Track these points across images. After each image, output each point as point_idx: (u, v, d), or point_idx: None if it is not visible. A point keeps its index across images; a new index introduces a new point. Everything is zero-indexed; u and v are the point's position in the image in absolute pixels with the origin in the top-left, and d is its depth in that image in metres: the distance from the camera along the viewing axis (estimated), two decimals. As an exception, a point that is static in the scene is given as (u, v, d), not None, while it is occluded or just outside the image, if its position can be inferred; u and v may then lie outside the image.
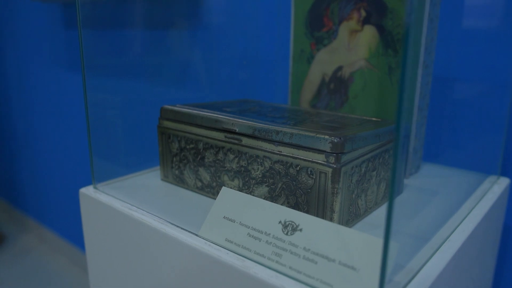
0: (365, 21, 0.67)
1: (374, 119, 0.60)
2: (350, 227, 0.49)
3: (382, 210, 0.55)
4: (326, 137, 0.45)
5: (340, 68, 0.71)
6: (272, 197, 0.51)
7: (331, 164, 0.45)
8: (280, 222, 0.43)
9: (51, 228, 1.94)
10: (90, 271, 0.64)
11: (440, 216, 0.53)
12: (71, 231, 1.80)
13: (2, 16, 1.83)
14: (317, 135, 0.45)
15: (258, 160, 0.51)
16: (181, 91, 0.92)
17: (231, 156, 0.54)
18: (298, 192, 0.48)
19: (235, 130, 0.52)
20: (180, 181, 0.62)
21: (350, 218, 0.49)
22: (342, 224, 0.47)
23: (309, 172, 0.46)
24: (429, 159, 0.74)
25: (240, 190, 0.54)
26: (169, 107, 0.61)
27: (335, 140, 0.44)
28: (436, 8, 0.62)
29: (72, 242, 1.81)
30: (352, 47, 0.69)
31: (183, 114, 0.58)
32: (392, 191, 0.32)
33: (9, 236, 2.07)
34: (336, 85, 0.71)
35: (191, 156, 0.58)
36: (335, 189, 0.45)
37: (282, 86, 0.86)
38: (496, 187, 0.64)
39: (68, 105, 1.59)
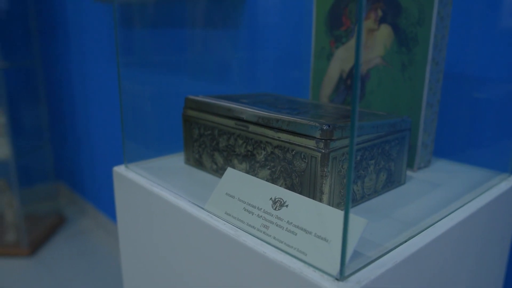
0: (381, 20, 0.70)
1: (380, 112, 0.64)
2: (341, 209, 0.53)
3: (382, 198, 0.58)
4: (317, 124, 0.49)
5: (357, 65, 0.74)
6: (272, 179, 0.56)
7: (320, 149, 0.49)
8: (270, 198, 0.48)
9: (106, 214, 2.09)
10: (121, 241, 0.73)
11: (434, 206, 0.56)
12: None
13: (68, 16, 2.01)
14: (309, 123, 0.50)
15: (262, 145, 0.56)
16: (213, 85, 0.99)
17: (240, 142, 0.59)
18: (294, 175, 0.53)
19: (243, 117, 0.58)
20: (199, 164, 0.68)
21: (342, 202, 0.53)
22: (333, 206, 0.51)
23: (302, 157, 0.51)
24: (442, 155, 0.75)
25: (247, 172, 0.59)
26: (192, 97, 0.67)
27: (324, 127, 0.49)
28: (447, 7, 0.64)
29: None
30: (369, 45, 0.72)
31: (203, 103, 0.65)
32: (349, 174, 0.37)
33: (69, 218, 2.26)
34: (353, 81, 0.75)
35: (208, 141, 0.65)
36: (324, 172, 0.49)
37: (307, 81, 0.90)
38: (504, 184, 0.64)
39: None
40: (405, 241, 0.46)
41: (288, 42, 0.99)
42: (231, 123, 0.60)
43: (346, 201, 0.37)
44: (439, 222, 0.51)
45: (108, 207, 2.07)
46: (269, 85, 1.00)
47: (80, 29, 1.94)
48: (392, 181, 0.61)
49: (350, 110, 0.62)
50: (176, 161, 0.73)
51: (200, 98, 0.66)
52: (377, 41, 0.71)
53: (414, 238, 0.47)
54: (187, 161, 0.71)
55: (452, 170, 0.70)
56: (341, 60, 0.76)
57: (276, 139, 0.54)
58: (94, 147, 2.06)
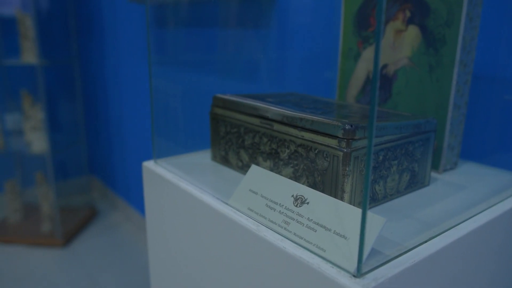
0: (409, 21, 0.70)
1: (405, 113, 0.64)
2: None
3: (404, 199, 0.59)
4: (339, 124, 0.50)
5: (384, 66, 0.74)
6: (295, 177, 0.57)
7: (342, 148, 0.50)
8: (292, 195, 0.49)
9: (136, 208, 2.15)
10: (149, 232, 0.75)
11: (457, 208, 0.55)
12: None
13: (104, 16, 2.07)
14: (332, 122, 0.51)
15: (285, 143, 0.57)
16: (242, 84, 1.01)
17: (265, 140, 0.61)
18: (316, 173, 0.54)
19: (268, 116, 0.59)
20: (225, 161, 0.70)
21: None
22: (354, 205, 0.52)
23: (325, 155, 0.52)
24: (469, 157, 0.75)
25: (271, 170, 0.61)
26: (219, 95, 0.69)
27: (347, 127, 0.49)
28: (477, 8, 0.63)
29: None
30: (397, 46, 0.72)
31: (230, 101, 0.67)
32: (368, 171, 0.37)
33: (101, 211, 2.33)
34: (381, 82, 0.75)
35: (234, 139, 0.67)
36: (346, 171, 0.50)
37: (334, 82, 0.91)
38: (532, 188, 0.63)
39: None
40: (425, 242, 0.47)
41: (316, 43, 1.00)
42: (256, 121, 0.62)
43: (363, 198, 0.38)
44: (461, 224, 0.51)
45: (137, 201, 2.13)
46: (297, 85, 1.01)
47: (115, 28, 2.00)
48: (416, 182, 0.61)
49: (379, 111, 0.62)
50: (203, 157, 0.75)
51: (227, 97, 0.68)
52: (405, 42, 0.71)
53: (434, 239, 0.47)
54: (214, 158, 0.73)
55: (478, 173, 0.69)
56: (368, 60, 0.76)
57: (300, 138, 0.55)
58: (125, 143, 2.12)
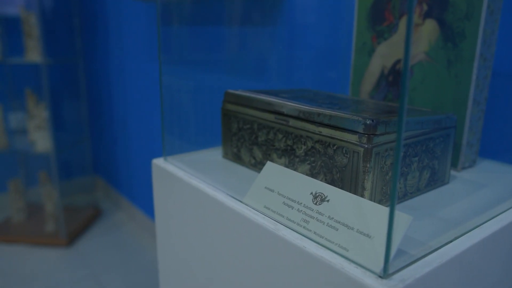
0: (426, 15, 0.68)
1: (424, 109, 0.62)
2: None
3: (425, 197, 0.57)
4: (360, 119, 0.48)
5: (399, 61, 0.72)
6: (312, 174, 0.55)
7: (363, 144, 0.48)
8: (311, 193, 0.47)
9: (140, 207, 2.13)
10: (158, 231, 0.74)
11: (480, 207, 0.53)
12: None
13: (108, 14, 2.06)
14: (352, 117, 0.49)
15: (302, 140, 0.56)
16: (251, 81, 0.99)
17: (280, 136, 0.59)
18: (335, 170, 0.52)
19: (283, 112, 0.57)
20: (237, 158, 0.68)
21: (384, 199, 0.52)
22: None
23: (344, 152, 0.50)
24: (488, 155, 0.73)
25: (286, 167, 0.59)
26: (232, 91, 0.68)
27: (368, 122, 0.48)
28: (498, 1, 0.62)
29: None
30: (413, 40, 0.70)
31: (242, 97, 0.65)
32: (396, 167, 0.36)
33: (105, 211, 2.31)
34: (395, 78, 0.73)
35: (247, 135, 0.65)
36: (366, 168, 0.48)
37: (347, 78, 0.89)
38: (555, 186, 0.61)
39: (158, 95, 1.75)
40: (451, 241, 0.45)
41: (327, 38, 0.98)
42: (271, 117, 0.60)
43: (391, 195, 0.36)
44: (485, 224, 0.49)
45: (141, 201, 2.11)
46: (307, 82, 0.99)
47: (119, 26, 1.99)
48: (436, 180, 0.59)
49: (393, 106, 0.60)
50: (214, 155, 0.74)
51: (239, 92, 0.66)
52: (421, 36, 0.69)
53: (460, 238, 0.45)
54: (225, 155, 0.71)
55: (498, 171, 0.67)
56: (383, 56, 0.74)
57: (317, 134, 0.53)
58: (130, 143, 2.10)
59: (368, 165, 0.48)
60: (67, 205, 2.16)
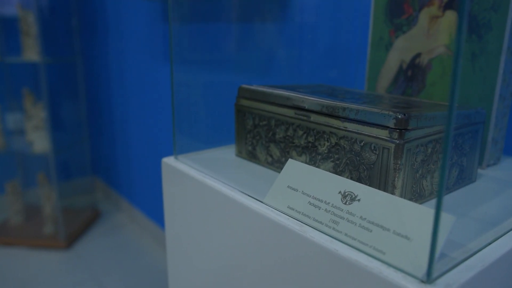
0: (447, 6, 0.65)
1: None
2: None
3: (453, 196, 0.54)
4: (391, 113, 0.45)
5: (418, 55, 0.70)
6: (336, 172, 0.52)
7: (394, 140, 0.45)
8: (339, 192, 0.45)
9: (140, 209, 2.10)
10: (168, 233, 0.70)
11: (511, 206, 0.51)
12: (157, 212, 1.94)
13: (108, 13, 2.02)
14: (382, 112, 0.46)
15: (325, 136, 0.53)
16: (260, 78, 0.96)
17: (300, 132, 0.56)
18: (361, 168, 0.49)
19: (305, 107, 0.54)
20: (252, 157, 0.65)
21: (413, 198, 0.49)
22: (404, 202, 0.47)
23: (372, 148, 0.47)
24: (510, 152, 0.70)
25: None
26: (246, 86, 0.65)
27: (399, 116, 0.45)
28: (525, -9, 0.59)
29: (157, 222, 1.95)
30: (432, 33, 0.68)
31: (258, 92, 0.62)
32: (444, 163, 0.33)
33: (104, 213, 2.27)
34: (414, 72, 0.71)
35: (264, 132, 0.62)
36: (397, 165, 0.45)
37: (361, 73, 0.86)
38: None
39: (161, 94, 1.72)
40: (491, 243, 0.42)
41: (341, 33, 0.95)
42: (290, 112, 0.57)
43: (438, 194, 0.33)
44: (523, 223, 0.46)
45: (142, 202, 2.07)
46: (320, 77, 0.96)
47: (119, 25, 1.95)
48: (463, 178, 0.56)
49: (417, 101, 0.57)
50: (226, 153, 0.71)
51: (255, 87, 0.63)
52: (441, 28, 0.67)
53: (499, 240, 0.43)
54: (239, 153, 0.68)
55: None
56: (402, 50, 0.72)
57: (342, 129, 0.50)
58: (130, 143, 2.07)
59: (399, 162, 0.45)
60: (66, 206, 2.12)
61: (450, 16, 0.65)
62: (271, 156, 0.62)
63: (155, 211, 1.96)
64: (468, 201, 0.52)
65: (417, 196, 0.49)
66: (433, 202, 0.52)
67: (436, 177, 0.52)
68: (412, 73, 0.71)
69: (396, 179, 0.46)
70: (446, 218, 0.37)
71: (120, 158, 2.21)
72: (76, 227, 2.03)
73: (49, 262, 1.81)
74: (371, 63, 0.76)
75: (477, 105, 0.63)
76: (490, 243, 0.42)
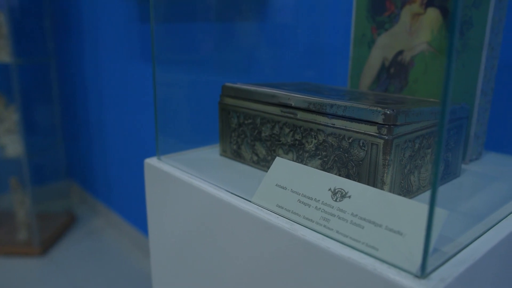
0: (428, 4, 0.66)
1: (432, 99, 0.59)
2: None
3: (440, 191, 0.54)
4: (379, 109, 0.45)
5: (400, 52, 0.70)
6: (324, 170, 0.52)
7: (383, 136, 0.45)
8: (329, 189, 0.44)
9: (118, 212, 2.06)
10: (151, 236, 0.69)
11: (497, 199, 0.51)
12: (136, 216, 1.91)
13: (83, 12, 1.98)
14: (370, 108, 0.46)
15: (312, 133, 0.52)
16: (244, 77, 0.95)
17: (287, 130, 0.55)
18: (350, 164, 0.49)
19: (291, 104, 0.54)
20: (237, 156, 0.64)
21: (402, 193, 0.49)
22: (393, 198, 0.47)
23: (361, 144, 0.47)
24: (492, 147, 0.71)
25: (294, 163, 0.55)
26: (230, 84, 0.64)
27: (388, 112, 0.45)
28: (505, -12, 0.60)
29: (136, 226, 1.92)
30: (414, 30, 0.68)
31: (243, 90, 0.61)
32: (438, 155, 0.33)
33: (81, 218, 2.22)
34: (396, 69, 0.71)
35: (249, 131, 0.61)
36: (386, 161, 0.45)
37: (342, 71, 0.86)
38: None
39: (139, 95, 1.69)
40: (479, 236, 0.42)
41: (322, 31, 0.95)
42: (276, 110, 0.56)
43: (432, 188, 0.33)
44: (510, 216, 0.47)
45: (120, 205, 2.04)
46: (302, 75, 0.96)
47: (95, 25, 1.91)
48: (449, 173, 0.57)
49: (403, 97, 0.58)
50: (210, 153, 0.69)
51: (239, 85, 0.62)
52: (423, 26, 0.67)
53: (488, 233, 0.43)
54: (223, 152, 0.67)
55: (506, 163, 0.66)
56: (384, 47, 0.72)
57: (330, 126, 0.50)
58: (106, 145, 2.03)
59: (388, 158, 0.45)
60: (40, 212, 2.06)
61: (432, 14, 0.66)
62: (256, 155, 0.61)
63: (134, 214, 1.93)
64: (454, 196, 0.52)
65: (405, 192, 0.49)
66: (421, 197, 0.52)
67: (423, 172, 0.53)
68: (394, 70, 0.71)
69: (385, 175, 0.46)
70: (439, 213, 0.36)
71: (96, 161, 2.17)
72: (51, 233, 1.98)
73: (23, 269, 1.75)
74: (354, 60, 0.76)
75: (459, 101, 0.64)
76: (479, 237, 0.42)
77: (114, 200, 2.09)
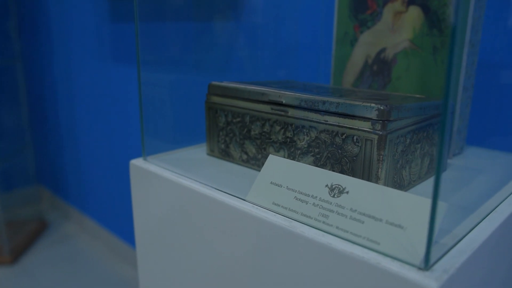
0: (410, 2, 0.67)
1: (418, 96, 0.61)
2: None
3: (425, 184, 0.55)
4: (373, 105, 0.46)
5: (383, 50, 0.71)
6: (317, 166, 0.52)
7: (377, 131, 0.45)
8: (326, 185, 0.44)
9: (92, 217, 2.01)
10: (138, 239, 0.67)
11: (484, 192, 0.53)
12: (111, 219, 1.87)
13: (50, 12, 1.92)
14: (364, 104, 0.46)
15: (304, 130, 0.52)
16: (224, 76, 0.95)
17: (277, 128, 0.55)
18: (344, 160, 0.49)
19: (282, 101, 0.54)
20: (225, 155, 0.64)
21: (395, 188, 0.49)
22: (386, 193, 0.47)
23: (355, 140, 0.47)
24: (473, 142, 0.73)
25: (285, 161, 0.55)
26: (217, 83, 0.63)
27: (382, 108, 0.45)
28: (483, -13, 0.62)
29: (111, 231, 1.88)
30: (396, 28, 0.69)
31: (231, 89, 0.60)
32: (441, 147, 0.33)
33: (52, 224, 2.16)
34: (379, 67, 0.72)
35: (238, 129, 0.60)
36: (381, 156, 0.46)
37: (324, 69, 0.87)
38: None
39: (110, 96, 1.65)
40: (474, 227, 0.43)
41: (303, 29, 0.95)
42: (266, 108, 0.56)
43: (435, 181, 0.34)
44: (499, 207, 0.48)
45: (93, 210, 1.99)
46: (284, 74, 0.96)
47: (63, 26, 1.85)
48: (434, 167, 0.58)
49: (390, 94, 0.58)
50: (196, 152, 0.68)
51: (227, 84, 0.62)
52: (405, 24, 0.68)
53: (481, 224, 0.44)
54: (211, 152, 0.66)
55: (487, 157, 0.68)
56: (367, 45, 0.73)
57: (323, 123, 0.50)
58: (78, 148, 1.97)
59: (382, 153, 0.46)
60: (9, 219, 1.98)
61: (414, 12, 0.67)
62: (246, 153, 0.60)
63: (109, 219, 1.88)
64: (444, 189, 0.54)
65: (397, 186, 0.50)
66: (412, 191, 0.53)
67: (414, 167, 0.53)
68: (377, 68, 0.72)
69: (379, 170, 0.46)
70: (440, 206, 0.37)
71: (68, 165, 2.11)
72: (21, 240, 1.91)
73: (-6, 279, 1.69)
74: (337, 58, 0.77)
75: (440, 97, 0.65)
76: (473, 228, 0.43)
77: (87, 204, 2.03)
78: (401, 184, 0.51)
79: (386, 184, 0.47)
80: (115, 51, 1.57)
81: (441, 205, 0.37)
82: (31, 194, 2.18)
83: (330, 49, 0.78)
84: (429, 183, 0.56)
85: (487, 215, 0.46)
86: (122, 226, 1.80)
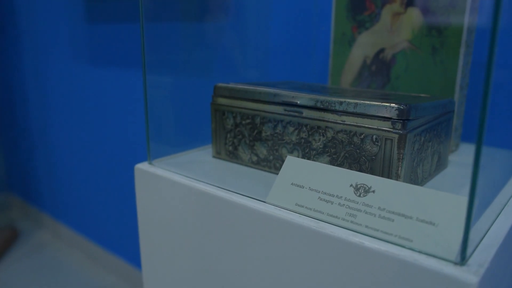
0: (409, 3, 0.69)
1: (422, 95, 0.62)
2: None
3: (434, 182, 0.57)
4: (393, 104, 0.47)
5: (382, 50, 0.73)
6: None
7: (397, 131, 0.46)
8: (351, 185, 0.45)
9: (66, 224, 1.95)
10: (142, 246, 0.66)
11: (491, 186, 0.55)
12: (87, 226, 1.82)
13: (20, 10, 1.85)
14: (383, 103, 0.47)
15: (320, 131, 0.53)
16: (224, 78, 0.94)
17: (291, 129, 0.55)
18: (362, 160, 0.50)
19: (297, 102, 0.54)
20: (233, 157, 0.63)
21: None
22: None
23: (374, 140, 0.48)
24: (466, 139, 0.76)
25: (299, 161, 0.55)
26: (223, 84, 0.62)
27: (402, 107, 0.46)
28: (479, -11, 0.64)
29: (88, 237, 1.83)
30: (395, 29, 0.71)
31: (239, 90, 0.60)
32: (480, 139, 0.34)
33: (24, 232, 2.08)
34: (378, 67, 0.73)
35: (247, 131, 0.60)
36: (401, 155, 0.47)
37: (320, 69, 0.88)
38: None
39: (86, 100, 1.61)
40: (494, 221, 0.45)
41: (300, 30, 0.96)
42: (279, 109, 0.56)
43: (473, 177, 0.35)
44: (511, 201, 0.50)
45: (68, 217, 1.93)
46: (281, 74, 0.96)
47: (33, 26, 1.79)
48: (440, 164, 0.60)
49: (398, 94, 0.60)
50: (201, 155, 0.68)
51: (233, 85, 0.61)
52: (404, 25, 0.70)
53: (499, 217, 0.46)
54: (217, 154, 0.65)
55: (484, 153, 0.70)
56: (365, 45, 0.74)
57: (340, 123, 0.51)
58: (51, 154, 1.91)
59: (402, 152, 0.47)
60: (-22, 229, 1.90)
61: (412, 13, 0.69)
62: (256, 155, 0.60)
63: (86, 225, 1.83)
64: (452, 185, 0.55)
65: (413, 183, 0.51)
66: (425, 187, 0.54)
67: (426, 164, 0.55)
68: (376, 68, 0.73)
69: (399, 168, 0.47)
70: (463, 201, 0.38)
71: (40, 171, 2.03)
72: (-7, 251, 1.83)
73: (-35, 292, 1.61)
74: (334, 58, 0.78)
75: (439, 95, 0.67)
76: (494, 221, 0.45)
77: (61, 211, 1.97)
78: (415, 181, 0.52)
79: (404, 181, 0.48)
80: (92, 52, 1.53)
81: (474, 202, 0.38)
82: (1, 202, 2.09)
83: (327, 49, 0.79)
84: (437, 179, 0.58)
85: (502, 209, 0.48)
86: (101, 232, 1.75)
